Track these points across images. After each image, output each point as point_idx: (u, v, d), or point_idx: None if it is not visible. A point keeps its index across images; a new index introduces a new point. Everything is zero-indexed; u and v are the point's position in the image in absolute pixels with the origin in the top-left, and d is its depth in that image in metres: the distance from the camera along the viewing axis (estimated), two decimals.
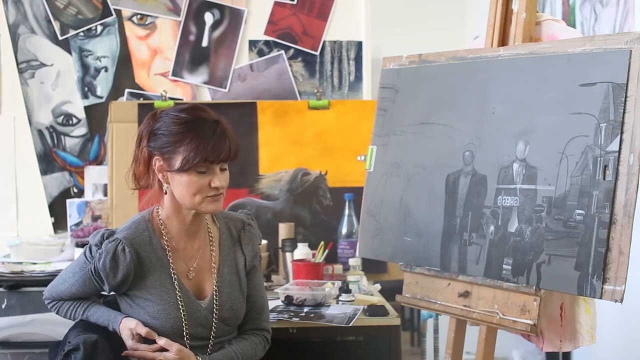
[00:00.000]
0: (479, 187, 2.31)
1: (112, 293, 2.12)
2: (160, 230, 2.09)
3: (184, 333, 2.06)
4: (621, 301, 1.94)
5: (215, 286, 2.11)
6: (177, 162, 1.99)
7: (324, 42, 3.40)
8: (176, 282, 2.07)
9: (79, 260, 2.11)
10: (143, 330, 2.02)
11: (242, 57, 3.39)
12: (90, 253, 2.07)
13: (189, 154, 1.98)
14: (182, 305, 2.06)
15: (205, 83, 3.37)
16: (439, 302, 2.43)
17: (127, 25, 3.35)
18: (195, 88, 3.37)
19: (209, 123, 2.02)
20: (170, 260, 2.08)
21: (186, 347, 2.05)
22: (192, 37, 3.36)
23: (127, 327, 2.04)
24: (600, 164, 2.01)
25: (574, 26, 3.38)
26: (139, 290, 2.06)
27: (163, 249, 2.08)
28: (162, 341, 2.02)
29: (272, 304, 2.47)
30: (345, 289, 2.62)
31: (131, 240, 2.05)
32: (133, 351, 2.03)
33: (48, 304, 2.19)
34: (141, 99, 3.33)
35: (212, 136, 2.00)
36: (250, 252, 2.18)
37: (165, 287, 2.06)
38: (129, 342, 2.03)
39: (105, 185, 3.26)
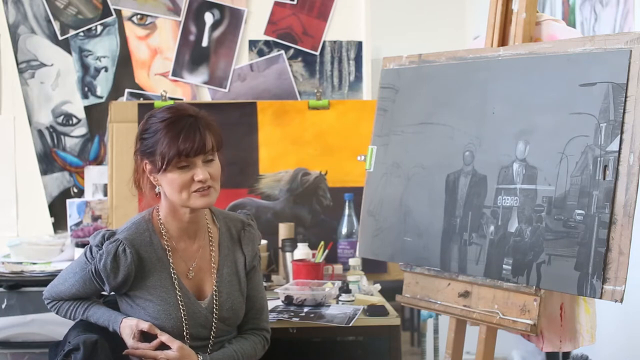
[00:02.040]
0: (479, 187, 2.31)
1: (112, 293, 2.12)
2: (160, 230, 2.09)
3: (184, 333, 2.05)
4: (621, 301, 1.94)
5: (215, 286, 2.11)
6: (158, 162, 1.99)
7: (324, 42, 3.40)
8: (176, 282, 2.07)
9: (80, 260, 2.11)
10: (145, 325, 2.02)
11: (242, 57, 3.38)
12: (91, 254, 2.07)
13: (164, 151, 1.98)
14: (182, 306, 2.06)
15: (205, 83, 3.37)
16: (439, 302, 2.43)
17: (127, 25, 3.35)
18: (195, 88, 3.37)
19: (183, 118, 2.01)
20: (171, 260, 2.08)
21: None
22: (192, 37, 3.36)
23: (128, 325, 2.04)
24: (600, 164, 2.01)
25: (574, 26, 3.38)
26: (139, 290, 2.06)
27: (163, 249, 2.08)
28: (164, 337, 2.02)
29: (272, 304, 2.47)
30: (345, 289, 2.62)
31: (132, 241, 2.05)
32: (134, 350, 2.03)
33: (48, 304, 2.19)
34: (141, 99, 3.33)
35: (183, 129, 1.98)
36: (250, 252, 2.18)
37: (165, 287, 2.06)
38: (129, 341, 2.03)
39: (105, 185, 3.26)
